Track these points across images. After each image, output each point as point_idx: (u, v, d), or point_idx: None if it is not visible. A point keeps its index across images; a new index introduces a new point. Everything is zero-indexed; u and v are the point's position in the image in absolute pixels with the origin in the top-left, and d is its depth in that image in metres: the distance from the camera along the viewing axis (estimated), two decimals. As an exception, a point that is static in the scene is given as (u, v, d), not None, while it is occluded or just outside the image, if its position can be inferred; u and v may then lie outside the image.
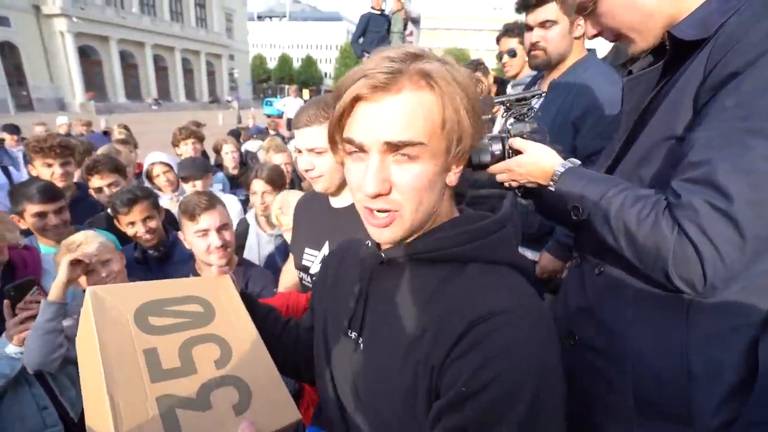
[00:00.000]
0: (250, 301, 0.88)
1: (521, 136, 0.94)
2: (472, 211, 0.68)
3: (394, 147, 0.54)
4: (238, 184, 3.38)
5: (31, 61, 24.79)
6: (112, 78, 29.83)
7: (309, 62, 61.22)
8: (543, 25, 1.63)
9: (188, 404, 0.64)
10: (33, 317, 1.28)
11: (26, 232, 1.85)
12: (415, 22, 5.10)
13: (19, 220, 1.76)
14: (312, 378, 0.84)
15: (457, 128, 0.56)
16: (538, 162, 0.90)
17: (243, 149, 4.51)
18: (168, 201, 2.56)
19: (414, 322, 0.60)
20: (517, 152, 0.94)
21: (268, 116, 15.88)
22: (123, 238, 1.82)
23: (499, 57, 2.64)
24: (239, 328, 0.79)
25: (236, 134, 5.73)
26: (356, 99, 0.55)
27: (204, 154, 3.84)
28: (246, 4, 46.52)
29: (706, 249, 0.62)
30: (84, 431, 0.68)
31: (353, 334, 0.69)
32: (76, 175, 2.65)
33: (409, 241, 0.63)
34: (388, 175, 0.56)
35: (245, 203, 2.82)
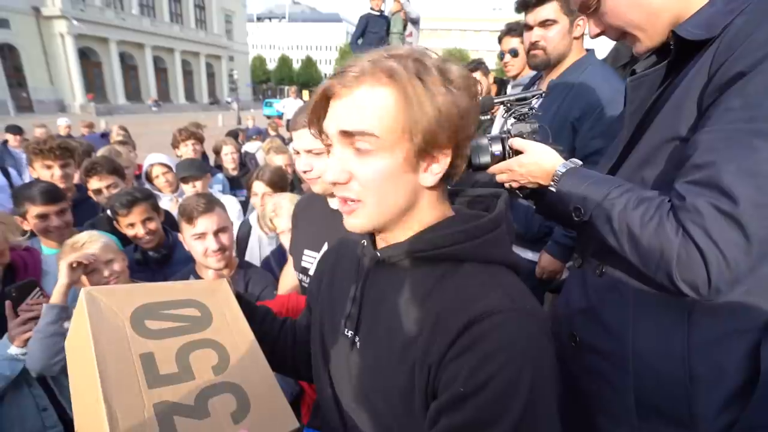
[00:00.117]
0: (247, 303, 0.88)
1: (521, 137, 0.94)
2: (467, 211, 0.68)
3: (348, 136, 0.57)
4: (238, 185, 3.38)
5: (31, 63, 24.80)
6: (112, 80, 29.85)
7: (308, 63, 61.26)
8: (543, 24, 1.63)
9: (186, 411, 0.63)
10: (34, 319, 1.28)
11: (31, 234, 1.85)
12: (415, 22, 5.08)
13: (22, 221, 1.77)
14: (312, 376, 0.84)
15: (419, 127, 0.55)
16: (538, 162, 0.90)
17: (243, 150, 4.51)
18: (168, 202, 2.57)
19: (410, 321, 0.60)
20: (518, 152, 0.93)
21: (268, 117, 15.90)
22: (123, 240, 1.81)
23: (501, 56, 2.63)
24: (237, 333, 0.78)
25: (234, 135, 5.73)
26: (327, 95, 0.58)
27: (204, 155, 3.84)
28: (245, 6, 46.58)
29: (711, 252, 0.61)
30: None
31: (350, 333, 0.69)
32: (77, 177, 2.65)
33: (403, 240, 0.63)
34: (348, 166, 0.58)
35: (245, 204, 2.82)
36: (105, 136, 5.80)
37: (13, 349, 1.29)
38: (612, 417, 0.86)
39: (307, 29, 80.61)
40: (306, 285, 1.36)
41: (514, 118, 0.98)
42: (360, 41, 4.95)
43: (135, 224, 1.80)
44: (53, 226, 1.76)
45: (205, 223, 1.48)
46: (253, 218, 2.29)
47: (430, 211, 0.64)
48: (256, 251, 2.22)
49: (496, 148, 0.94)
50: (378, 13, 5.03)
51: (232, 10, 42.42)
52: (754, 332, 0.70)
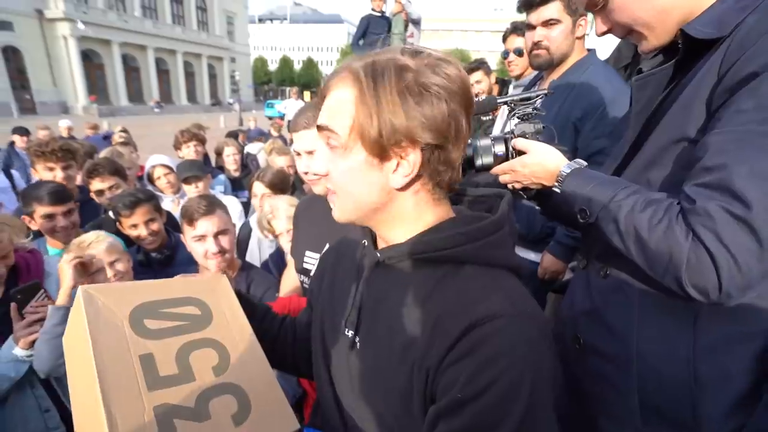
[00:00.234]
0: (247, 301, 0.88)
1: (524, 137, 0.93)
2: (469, 212, 0.68)
3: (321, 130, 0.61)
4: (239, 186, 3.39)
5: (35, 65, 24.93)
6: (115, 81, 29.98)
7: (310, 64, 61.35)
8: (546, 24, 1.62)
9: (186, 414, 0.62)
10: (39, 321, 1.29)
11: (36, 234, 1.87)
12: (416, 23, 5.08)
13: (29, 221, 1.80)
14: (312, 374, 0.84)
15: (368, 130, 0.56)
16: (542, 162, 0.89)
17: (245, 151, 4.52)
18: (170, 203, 2.57)
19: (409, 322, 0.60)
20: (521, 153, 0.92)
21: (270, 118, 15.92)
22: (127, 242, 1.82)
23: (505, 55, 2.62)
24: (237, 332, 0.77)
25: (234, 136, 5.75)
26: (323, 94, 0.63)
27: (205, 156, 3.84)
28: (247, 7, 46.68)
29: (722, 257, 0.60)
30: None
31: (350, 333, 0.69)
32: (79, 178, 2.66)
33: (404, 241, 0.63)
34: (327, 160, 0.62)
35: (247, 205, 2.82)
36: (107, 137, 5.84)
37: (19, 351, 1.29)
38: (615, 419, 0.85)
39: (309, 30, 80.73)
40: (307, 286, 1.35)
41: (518, 118, 0.97)
42: (361, 42, 4.95)
43: (138, 225, 1.81)
44: (60, 226, 1.78)
45: (206, 225, 1.48)
46: (253, 220, 2.30)
47: (422, 212, 0.63)
48: (256, 253, 2.22)
49: (499, 148, 0.93)
50: (379, 14, 5.03)
51: (234, 12, 42.53)
52: (762, 336, 0.69)
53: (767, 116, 0.60)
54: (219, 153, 3.78)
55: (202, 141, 3.48)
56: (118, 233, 1.80)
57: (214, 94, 40.90)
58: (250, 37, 49.05)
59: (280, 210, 1.73)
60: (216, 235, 1.50)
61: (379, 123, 0.55)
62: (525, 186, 0.95)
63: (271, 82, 61.81)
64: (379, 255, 0.66)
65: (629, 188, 0.74)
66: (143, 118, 25.65)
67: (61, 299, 1.28)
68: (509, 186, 0.97)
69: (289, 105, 11.47)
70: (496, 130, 2.15)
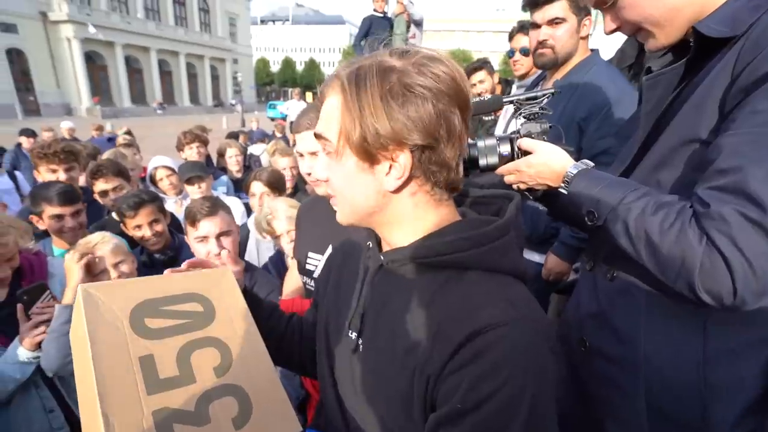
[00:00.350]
0: (252, 297, 0.87)
1: (530, 137, 0.92)
2: (475, 216, 0.67)
3: (317, 138, 0.62)
4: (242, 187, 3.38)
5: (39, 67, 25.09)
6: (118, 83, 30.12)
7: (312, 65, 61.45)
8: (551, 22, 1.61)
9: (186, 418, 0.61)
10: (45, 322, 1.30)
11: (38, 235, 1.88)
12: (418, 24, 5.08)
13: (37, 221, 1.82)
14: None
15: (352, 134, 0.56)
16: (548, 163, 0.87)
17: (248, 152, 4.53)
18: (172, 204, 2.58)
19: (411, 327, 0.60)
20: (527, 153, 0.91)
21: (272, 119, 15.93)
22: (130, 243, 1.82)
23: (510, 54, 2.59)
24: (240, 330, 0.76)
25: (234, 137, 5.77)
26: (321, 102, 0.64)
27: (207, 157, 3.85)
28: (249, 9, 46.84)
29: (737, 261, 0.58)
30: None
31: (353, 335, 0.68)
32: (81, 180, 2.67)
33: (406, 245, 0.62)
34: (325, 165, 0.64)
35: (249, 206, 2.82)
36: (112, 140, 5.89)
37: (25, 353, 1.30)
38: (622, 422, 0.84)
39: (311, 31, 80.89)
40: (310, 287, 1.35)
41: (524, 117, 0.95)
42: (363, 42, 4.96)
43: (142, 226, 1.82)
44: (68, 227, 1.80)
45: (208, 226, 1.48)
46: (250, 222, 2.29)
47: (423, 214, 0.62)
48: (254, 254, 2.22)
49: (504, 148, 0.92)
50: (381, 15, 5.03)
51: (236, 13, 42.66)
52: None
53: None
54: (221, 154, 3.79)
55: (204, 142, 3.48)
56: (122, 234, 1.81)
57: (216, 95, 41.03)
58: (252, 38, 49.23)
59: (280, 211, 1.74)
60: (218, 237, 1.50)
61: (362, 128, 0.55)
62: (530, 187, 0.94)
63: (274, 83, 61.96)
64: (382, 258, 0.66)
65: (639, 190, 0.72)
66: (146, 119, 25.75)
67: (68, 298, 1.29)
68: (514, 186, 0.96)
69: (292, 106, 11.49)
70: (499, 131, 2.14)
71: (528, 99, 0.96)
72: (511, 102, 0.97)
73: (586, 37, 1.67)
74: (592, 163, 0.86)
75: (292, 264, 1.54)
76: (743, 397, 0.70)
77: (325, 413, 0.77)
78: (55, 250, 1.85)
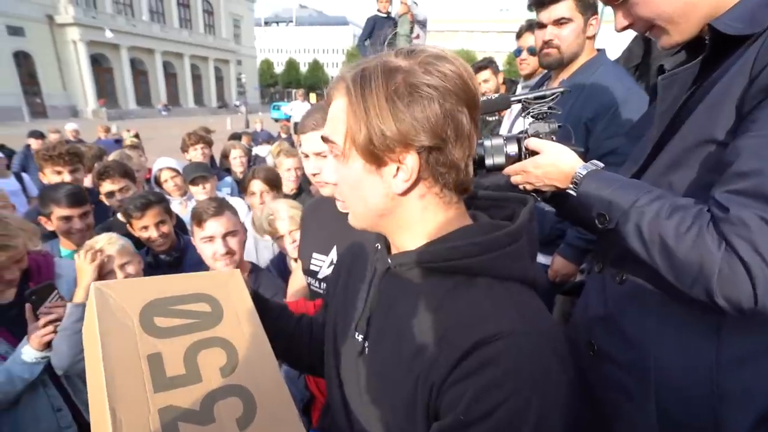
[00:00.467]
0: (262, 300, 0.87)
1: (538, 136, 0.90)
2: (487, 220, 0.65)
3: (325, 141, 0.62)
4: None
5: (45, 70, 25.35)
6: (123, 85, 30.37)
7: (316, 66, 61.60)
8: (557, 22, 1.59)
9: (191, 417, 0.62)
10: (54, 321, 1.32)
11: (46, 236, 1.90)
12: (422, 24, 5.08)
13: (46, 222, 1.84)
14: None
15: (358, 136, 0.55)
16: (555, 163, 0.85)
17: (254, 153, 4.54)
18: (177, 205, 2.59)
19: (418, 332, 0.58)
20: (534, 153, 0.89)
21: (276, 120, 15.99)
22: (135, 244, 1.83)
23: (517, 53, 2.56)
24: (247, 331, 0.76)
25: (237, 138, 5.80)
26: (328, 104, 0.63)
27: (212, 159, 3.87)
28: (253, 10, 47.06)
29: (758, 267, 0.57)
30: None
31: (359, 338, 0.68)
32: (87, 181, 2.69)
33: (415, 248, 0.61)
34: (334, 169, 0.64)
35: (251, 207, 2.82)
36: (119, 141, 5.95)
37: (33, 353, 1.31)
38: (632, 427, 0.82)
39: (314, 33, 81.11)
40: (314, 288, 1.35)
41: (532, 117, 0.93)
42: (367, 42, 4.97)
43: (148, 227, 1.83)
44: (76, 228, 1.83)
45: (214, 226, 1.49)
46: (248, 220, 2.30)
47: (432, 217, 0.61)
48: (253, 254, 2.22)
49: (511, 148, 0.90)
50: (385, 15, 5.04)
51: (240, 15, 42.88)
52: None
53: None
54: (226, 155, 3.80)
55: (209, 144, 3.49)
56: (127, 235, 1.82)
57: (220, 96, 41.24)
58: (256, 39, 49.36)
59: (282, 212, 1.75)
60: (224, 237, 1.50)
61: (368, 130, 0.55)
62: (537, 188, 0.92)
63: (277, 84, 62.15)
64: (390, 261, 0.65)
65: (652, 192, 0.70)
66: (151, 120, 25.92)
67: (80, 296, 1.34)
68: (521, 187, 0.94)
69: (295, 107, 11.50)
70: (503, 131, 2.13)
71: (536, 98, 0.94)
72: (519, 101, 0.96)
73: (592, 37, 1.66)
74: (601, 164, 0.84)
75: (296, 265, 1.54)
76: (757, 404, 0.68)
77: (331, 414, 0.77)
78: (63, 251, 1.87)
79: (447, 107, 0.54)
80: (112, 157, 3.02)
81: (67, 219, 1.81)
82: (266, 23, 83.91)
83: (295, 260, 1.68)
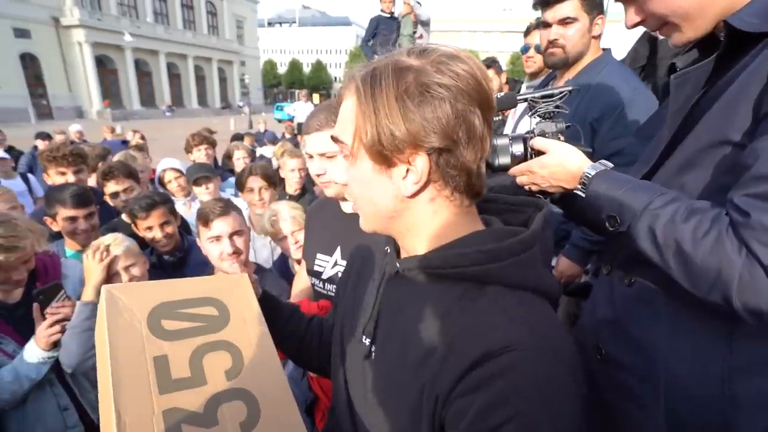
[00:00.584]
0: (273, 300, 0.87)
1: (544, 136, 0.88)
2: (499, 226, 0.63)
3: (335, 141, 0.61)
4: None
5: (51, 71, 25.59)
6: (128, 86, 30.60)
7: (319, 67, 61.74)
8: (562, 22, 1.58)
9: (195, 419, 0.62)
10: (61, 321, 1.34)
11: (51, 236, 1.90)
12: (425, 24, 5.07)
13: (51, 222, 1.86)
14: None
15: (374, 138, 0.54)
16: (563, 163, 0.83)
17: (258, 154, 4.55)
18: (181, 206, 2.60)
19: (424, 340, 0.57)
20: (540, 153, 0.87)
21: (279, 121, 16.04)
22: (140, 244, 1.84)
23: (524, 50, 2.52)
24: (253, 335, 0.77)
25: (240, 139, 5.82)
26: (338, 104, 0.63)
27: (215, 159, 3.87)
28: (256, 11, 47.21)
29: None
30: None
31: (366, 341, 0.67)
32: (90, 181, 2.70)
33: (423, 253, 0.60)
34: (345, 170, 0.63)
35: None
36: (126, 142, 5.99)
37: (40, 352, 1.32)
38: (639, 431, 0.81)
39: (317, 33, 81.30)
40: (318, 288, 1.35)
41: (539, 116, 0.92)
42: (370, 43, 4.97)
43: (153, 227, 1.84)
44: (81, 228, 1.84)
45: (221, 225, 1.49)
46: (246, 218, 2.30)
47: (443, 221, 0.59)
48: (251, 252, 2.22)
49: (517, 148, 0.89)
50: (388, 15, 5.04)
51: (243, 16, 43.04)
52: None
53: None
54: (229, 156, 3.81)
55: (212, 144, 3.51)
56: (132, 235, 1.83)
57: (224, 97, 41.42)
58: (259, 40, 49.59)
59: (284, 212, 1.75)
60: (231, 236, 1.51)
61: (377, 130, 0.53)
62: (543, 189, 0.90)
63: (281, 84, 62.33)
64: (398, 265, 0.64)
65: (666, 195, 0.68)
66: (155, 121, 26.07)
67: (89, 295, 1.36)
68: (526, 188, 0.92)
69: (299, 107, 11.54)
70: (507, 131, 2.12)
71: (544, 97, 0.92)
72: (525, 99, 0.94)
73: (598, 37, 1.64)
74: (611, 164, 0.82)
75: (300, 266, 1.54)
76: None
77: (336, 416, 0.76)
78: (68, 252, 1.88)
79: (459, 108, 0.52)
80: (116, 157, 3.04)
81: (73, 220, 1.83)
82: (269, 24, 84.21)
83: (298, 261, 1.68)
